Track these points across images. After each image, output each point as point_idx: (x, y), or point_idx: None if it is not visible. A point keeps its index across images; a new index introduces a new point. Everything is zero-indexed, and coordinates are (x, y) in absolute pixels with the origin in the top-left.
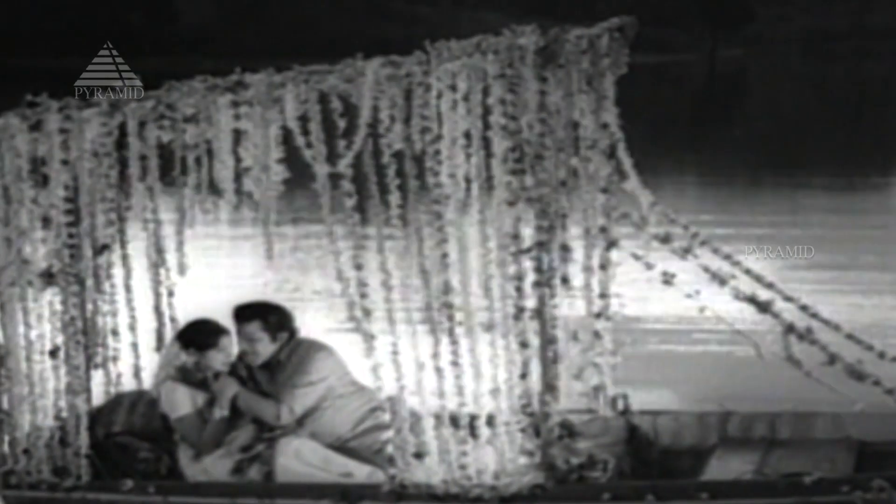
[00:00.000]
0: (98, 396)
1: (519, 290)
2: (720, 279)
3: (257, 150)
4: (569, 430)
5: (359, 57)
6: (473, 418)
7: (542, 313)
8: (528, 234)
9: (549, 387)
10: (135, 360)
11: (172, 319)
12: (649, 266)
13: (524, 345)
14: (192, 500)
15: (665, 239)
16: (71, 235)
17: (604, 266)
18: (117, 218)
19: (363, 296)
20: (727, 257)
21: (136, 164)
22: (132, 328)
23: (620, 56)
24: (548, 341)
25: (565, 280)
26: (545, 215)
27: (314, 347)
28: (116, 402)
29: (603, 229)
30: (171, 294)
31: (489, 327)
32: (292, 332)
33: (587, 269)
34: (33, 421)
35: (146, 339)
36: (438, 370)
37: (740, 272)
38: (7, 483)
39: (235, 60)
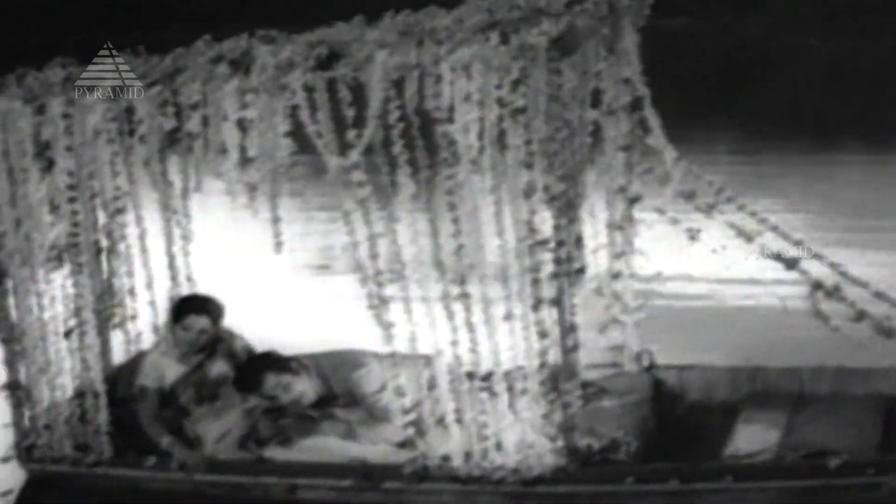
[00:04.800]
0: (119, 355)
1: (536, 281)
2: (746, 236)
3: (263, 138)
4: (597, 389)
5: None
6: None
7: (560, 302)
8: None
9: (570, 374)
10: (153, 318)
11: (189, 278)
12: (674, 221)
13: (543, 335)
14: (214, 479)
15: (689, 195)
16: (75, 221)
17: (626, 223)
18: (128, 180)
19: (380, 284)
20: (753, 214)
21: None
22: (149, 286)
23: (641, 9)
24: (567, 329)
25: (581, 270)
26: (562, 213)
27: (351, 365)
28: (136, 362)
29: (625, 187)
30: (186, 253)
31: (508, 317)
32: (306, 367)
33: (610, 226)
34: (52, 398)
35: (164, 297)
36: (457, 358)
37: (767, 229)
38: (31, 457)
39: (242, 30)
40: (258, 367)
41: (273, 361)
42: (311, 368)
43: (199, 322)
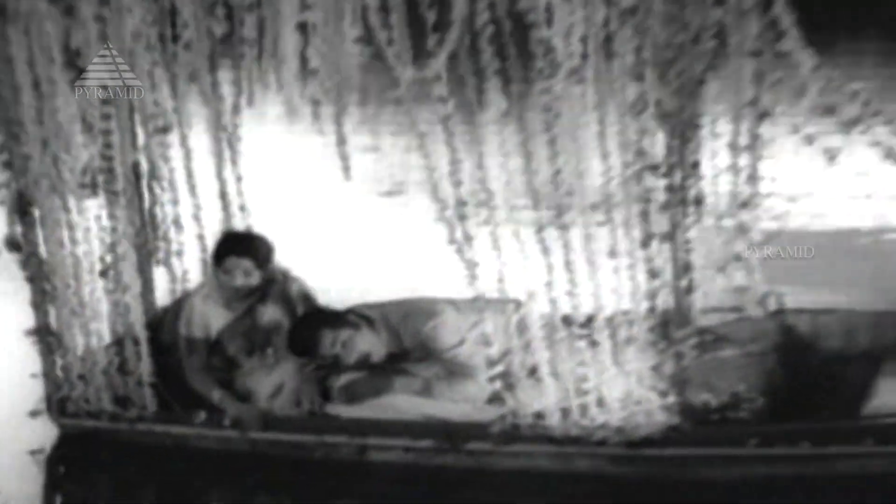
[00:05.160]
0: (163, 296)
1: (646, 212)
2: (895, 156)
3: (328, 45)
4: (715, 337)
5: None
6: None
7: (673, 237)
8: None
9: (684, 320)
10: (202, 253)
11: (242, 208)
12: (809, 140)
13: (653, 274)
14: (273, 437)
15: (829, 110)
16: (110, 141)
17: (753, 143)
18: (172, 95)
19: (462, 217)
20: None
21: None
22: (197, 217)
23: None
24: (681, 268)
25: (699, 201)
26: (677, 132)
27: (423, 315)
28: (181, 305)
29: (753, 100)
30: (239, 178)
31: (612, 253)
32: (368, 319)
33: (733, 147)
34: (87, 344)
35: (214, 230)
36: (552, 301)
37: None
38: (64, 411)
39: None
40: (309, 325)
41: (326, 317)
42: (377, 320)
43: (242, 265)
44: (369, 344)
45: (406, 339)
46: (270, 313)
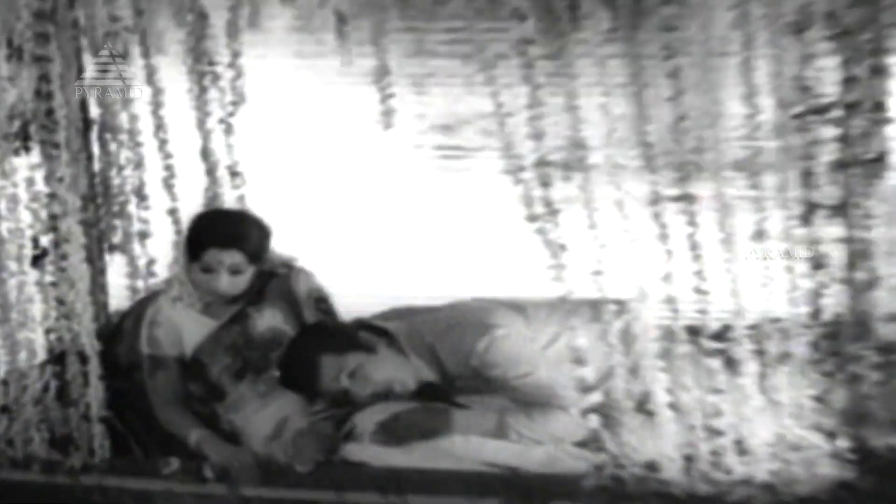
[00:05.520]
0: (119, 296)
1: (808, 174)
2: None
3: None
4: None
5: None
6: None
7: (845, 210)
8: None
9: (861, 330)
10: (174, 235)
11: (234, 173)
12: None
13: (818, 263)
14: (274, 495)
15: None
16: (46, 72)
17: None
18: (132, 7)
19: (545, 184)
20: None
21: None
22: (168, 184)
23: None
24: (858, 255)
25: (879, 158)
26: (856, 60)
27: (471, 328)
28: (144, 308)
29: None
30: (228, 130)
31: (758, 235)
32: (390, 337)
33: None
34: (14, 362)
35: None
36: (670, 301)
37: None
38: None
39: None
40: (303, 349)
41: (326, 336)
42: (402, 337)
43: (227, 260)
44: (389, 371)
45: (449, 362)
46: (268, 320)
